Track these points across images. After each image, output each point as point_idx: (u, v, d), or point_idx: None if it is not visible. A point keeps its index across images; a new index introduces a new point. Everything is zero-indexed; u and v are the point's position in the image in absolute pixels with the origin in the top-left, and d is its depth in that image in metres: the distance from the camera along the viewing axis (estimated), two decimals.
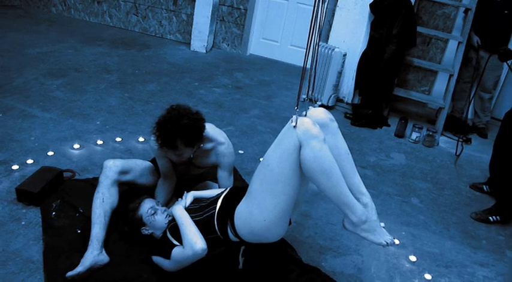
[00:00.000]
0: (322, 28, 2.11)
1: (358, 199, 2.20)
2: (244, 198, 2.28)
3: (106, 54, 5.84)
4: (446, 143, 5.03)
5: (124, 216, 2.65)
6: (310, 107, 2.23)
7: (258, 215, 2.17)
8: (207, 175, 3.18)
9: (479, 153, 4.79)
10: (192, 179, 3.10)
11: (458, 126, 5.34)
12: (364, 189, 2.27)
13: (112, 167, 2.71)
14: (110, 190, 2.67)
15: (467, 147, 4.93)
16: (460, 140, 4.98)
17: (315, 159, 2.02)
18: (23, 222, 2.76)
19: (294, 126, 2.04)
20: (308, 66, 2.06)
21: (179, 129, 2.44)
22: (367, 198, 2.26)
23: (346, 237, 3.11)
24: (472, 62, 5.34)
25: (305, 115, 2.16)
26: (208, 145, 2.73)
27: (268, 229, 2.20)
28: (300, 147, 2.04)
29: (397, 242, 3.19)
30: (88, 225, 2.64)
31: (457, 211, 3.77)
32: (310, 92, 2.23)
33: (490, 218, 3.67)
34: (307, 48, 2.01)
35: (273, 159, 2.12)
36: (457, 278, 2.97)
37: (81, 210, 2.88)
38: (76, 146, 3.65)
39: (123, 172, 2.75)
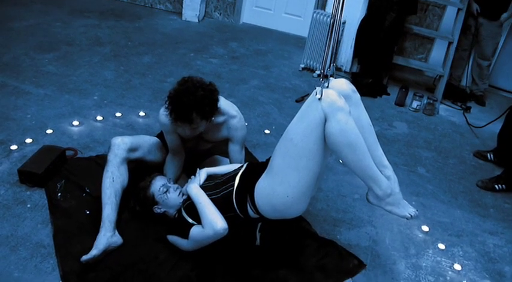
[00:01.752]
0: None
1: (381, 172, 2.14)
2: (264, 174, 2.21)
3: (96, 26, 5.65)
4: (446, 111, 4.99)
5: (135, 195, 2.57)
6: (331, 78, 2.14)
7: (281, 191, 2.10)
8: (214, 150, 3.09)
9: (478, 121, 4.75)
10: (200, 154, 3.01)
11: (456, 94, 5.32)
12: (386, 162, 2.22)
13: (121, 145, 2.61)
14: (120, 169, 2.58)
15: (467, 116, 4.90)
16: (461, 109, 4.96)
17: (341, 132, 1.94)
18: (28, 205, 2.66)
19: (319, 99, 1.96)
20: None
21: (195, 102, 2.31)
22: (389, 170, 2.21)
23: (359, 209, 3.08)
24: (471, 30, 5.27)
25: (327, 86, 2.07)
26: (220, 119, 2.63)
27: (291, 205, 2.14)
28: (325, 120, 1.96)
29: None
30: (96, 205, 2.55)
31: (463, 180, 3.75)
32: (328, 67, 2.13)
33: (496, 186, 3.66)
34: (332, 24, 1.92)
35: (297, 133, 2.03)
36: (469, 246, 2.97)
37: (87, 190, 2.79)
38: (75, 122, 3.52)
39: (131, 149, 2.66)
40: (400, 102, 4.87)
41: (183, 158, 2.84)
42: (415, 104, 4.80)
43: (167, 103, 2.38)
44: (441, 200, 3.41)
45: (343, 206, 3.10)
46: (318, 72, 5.17)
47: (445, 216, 3.23)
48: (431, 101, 4.82)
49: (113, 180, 2.53)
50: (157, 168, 2.84)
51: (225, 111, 2.63)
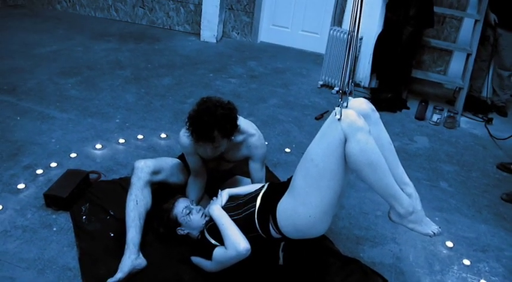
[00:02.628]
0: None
1: (402, 190, 2.14)
2: (286, 194, 2.22)
3: (116, 49, 5.77)
4: (467, 123, 4.95)
5: (158, 217, 2.60)
6: (350, 97, 2.16)
7: (303, 211, 2.12)
8: (235, 170, 3.11)
9: (501, 132, 4.69)
10: (221, 175, 3.04)
11: (477, 106, 5.27)
12: (407, 179, 2.21)
13: (144, 168, 2.65)
14: (143, 191, 2.61)
15: (489, 128, 4.85)
16: (483, 121, 4.93)
17: (362, 152, 1.96)
18: (54, 228, 2.71)
19: (339, 119, 1.98)
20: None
21: (215, 120, 2.35)
22: (411, 188, 2.20)
23: (381, 226, 3.06)
24: (490, 40, 5.24)
25: (346, 106, 2.09)
26: (239, 137, 2.66)
27: (314, 225, 2.15)
28: (345, 140, 1.97)
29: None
30: (121, 227, 2.59)
31: (486, 193, 3.71)
32: (348, 84, 2.15)
33: None
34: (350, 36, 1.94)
35: (317, 153, 2.05)
36: (496, 262, 2.92)
37: (111, 213, 2.83)
38: (98, 146, 3.59)
39: (155, 172, 2.69)
40: (420, 116, 4.85)
41: (205, 179, 2.87)
42: (435, 117, 4.77)
43: (188, 124, 2.42)
44: (465, 215, 3.38)
45: (365, 224, 3.09)
46: (336, 88, 5.18)
47: (470, 231, 3.19)
48: (451, 114, 4.79)
49: (137, 203, 2.57)
50: (180, 190, 2.87)
51: (244, 130, 2.66)
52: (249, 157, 2.75)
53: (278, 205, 2.22)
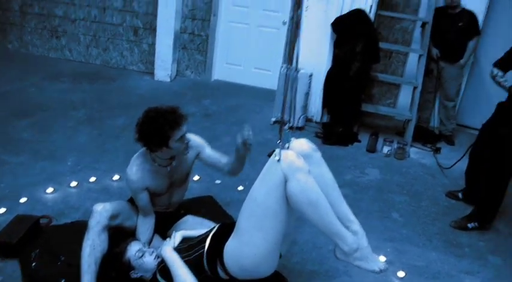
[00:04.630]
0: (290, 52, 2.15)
1: (347, 227, 2.19)
2: (232, 235, 2.26)
3: (70, 90, 5.74)
4: (416, 153, 5.12)
5: (111, 262, 2.58)
6: (292, 138, 2.24)
7: (248, 251, 2.15)
8: (188, 210, 3.12)
9: (449, 160, 4.84)
10: (174, 215, 3.04)
11: (426, 136, 5.46)
12: (352, 217, 2.26)
13: (103, 212, 2.63)
14: (101, 236, 2.59)
15: (437, 156, 5.02)
16: (431, 150, 5.10)
17: (302, 191, 2.02)
18: (0, 278, 2.64)
19: (278, 160, 2.04)
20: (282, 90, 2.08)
21: (161, 106, 2.57)
22: (356, 225, 2.25)
23: (334, 260, 3.02)
24: (434, 73, 5.49)
25: (288, 148, 2.16)
26: None
27: (259, 265, 2.18)
28: (286, 180, 2.03)
29: (383, 258, 3.20)
30: (73, 273, 2.55)
31: (436, 221, 3.83)
32: (288, 117, 2.24)
33: (469, 225, 3.75)
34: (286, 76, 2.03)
35: (259, 194, 2.11)
36: None
37: (62, 258, 2.78)
38: (49, 189, 3.55)
39: (113, 216, 2.68)
40: (371, 149, 4.99)
41: (154, 220, 2.87)
42: (385, 149, 4.92)
43: (155, 124, 2.53)
44: (416, 244, 3.47)
45: (318, 258, 3.13)
46: (289, 125, 5.26)
47: (421, 260, 3.28)
48: (401, 145, 4.95)
49: (94, 248, 2.54)
50: (133, 233, 2.86)
51: None
52: (199, 153, 2.89)
53: (225, 246, 2.25)
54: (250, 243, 2.14)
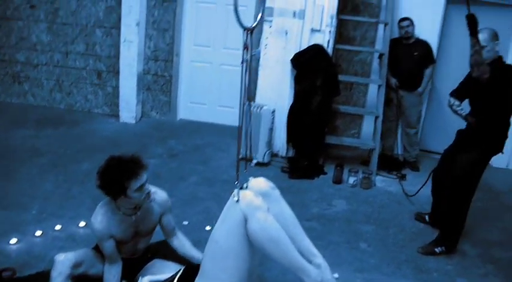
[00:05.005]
0: (249, 90, 2.21)
1: (310, 261, 2.22)
2: (198, 276, 2.27)
3: (34, 136, 5.67)
4: (382, 182, 5.20)
5: None
6: (250, 178, 2.29)
7: None
8: (156, 253, 3.10)
9: (414, 186, 4.90)
10: (141, 260, 3.02)
11: (391, 164, 5.57)
12: (315, 250, 2.30)
13: (65, 262, 2.60)
14: None
15: (403, 183, 5.11)
16: (396, 177, 5.20)
17: (262, 230, 2.05)
18: None
19: (237, 201, 2.08)
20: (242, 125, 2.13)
21: (123, 156, 2.58)
22: (319, 258, 2.28)
23: None
24: (394, 102, 5.64)
25: (246, 187, 2.20)
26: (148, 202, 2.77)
27: None
28: (246, 220, 2.07)
29: None
30: None
31: (404, 248, 3.88)
32: (247, 152, 2.30)
33: (436, 249, 3.81)
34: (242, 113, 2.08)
35: (221, 235, 2.14)
36: None
37: None
38: (13, 240, 3.46)
39: (76, 265, 2.65)
40: (337, 180, 5.05)
41: (121, 267, 2.84)
42: (351, 179, 4.98)
43: (114, 177, 2.51)
44: (385, 273, 3.50)
45: None
46: (255, 160, 5.30)
47: None
48: (366, 175, 5.02)
49: None
50: (99, 280, 2.82)
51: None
52: (162, 214, 2.86)
53: None
54: None
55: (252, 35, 2.09)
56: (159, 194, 2.83)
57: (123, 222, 2.71)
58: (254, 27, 2.11)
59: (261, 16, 2.17)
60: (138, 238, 2.88)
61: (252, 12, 5.57)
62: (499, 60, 3.61)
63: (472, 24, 3.28)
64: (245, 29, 2.06)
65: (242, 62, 2.06)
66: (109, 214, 2.69)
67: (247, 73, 2.10)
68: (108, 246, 2.73)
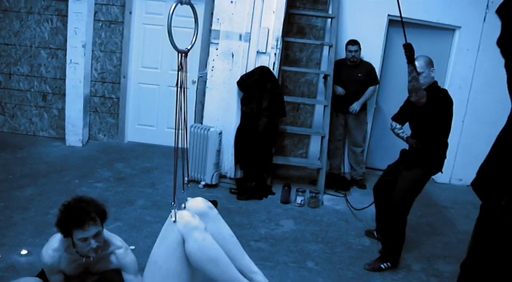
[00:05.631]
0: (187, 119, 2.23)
1: (251, 279, 2.25)
2: None
3: None
4: (330, 200, 5.29)
5: None
6: (188, 198, 2.30)
7: None
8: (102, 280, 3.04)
9: (362, 204, 5.01)
10: None
11: (338, 182, 5.68)
12: (255, 268, 2.32)
13: None
14: None
15: (350, 200, 5.22)
16: (343, 196, 5.31)
17: (200, 249, 2.07)
18: None
19: (174, 221, 2.08)
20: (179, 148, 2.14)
21: (89, 203, 2.51)
22: (259, 276, 2.31)
23: None
24: (340, 121, 5.77)
25: (184, 207, 2.22)
26: (106, 250, 2.69)
27: None
28: (183, 240, 2.07)
29: None
30: None
31: (351, 266, 3.95)
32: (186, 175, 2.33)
33: (382, 265, 3.91)
34: (176, 143, 2.10)
35: (159, 256, 2.14)
36: None
37: None
38: None
39: None
40: (285, 200, 5.10)
41: None
42: (299, 199, 5.05)
43: (63, 217, 2.47)
44: None
45: None
46: (203, 183, 5.30)
47: None
48: (313, 194, 5.10)
49: None
50: None
51: (111, 242, 2.72)
52: (121, 269, 2.75)
53: None
54: None
55: (187, 57, 2.13)
56: (120, 250, 2.74)
57: (74, 262, 2.67)
58: (188, 50, 2.14)
59: (195, 40, 2.20)
60: (89, 276, 2.83)
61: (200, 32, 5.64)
62: (434, 85, 3.80)
63: (409, 52, 3.48)
64: (179, 52, 2.09)
65: (176, 85, 2.09)
66: (62, 249, 2.64)
67: (183, 95, 2.13)
68: (56, 279, 2.70)
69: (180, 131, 2.14)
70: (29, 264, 3.54)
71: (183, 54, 2.10)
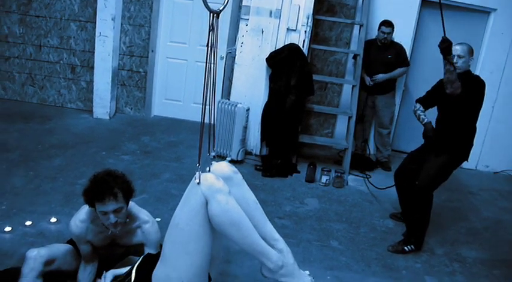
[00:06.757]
0: (215, 82, 2.21)
1: (272, 246, 2.22)
2: (159, 262, 2.26)
3: (3, 130, 5.57)
4: (354, 181, 5.26)
5: None
6: (213, 162, 2.29)
7: (175, 276, 2.15)
8: (129, 251, 3.09)
9: (385, 186, 4.98)
10: (114, 258, 3.01)
11: (363, 163, 5.64)
12: (277, 235, 2.29)
13: (37, 258, 2.58)
14: None
15: (374, 182, 5.18)
16: (366, 177, 5.27)
17: (223, 212, 2.05)
18: None
19: (198, 183, 2.07)
20: (207, 121, 2.13)
21: (115, 178, 2.53)
22: (281, 243, 2.27)
23: None
24: (368, 102, 5.71)
25: (208, 171, 2.21)
26: (133, 224, 2.74)
27: None
28: (207, 203, 2.06)
29: None
30: None
31: (375, 247, 3.94)
32: (212, 148, 2.31)
33: (405, 248, 3.89)
34: (203, 104, 2.08)
35: (182, 218, 2.12)
36: None
37: None
38: None
39: (48, 262, 2.63)
40: (310, 179, 5.09)
41: (96, 265, 2.84)
42: (324, 178, 5.03)
43: (88, 187, 2.51)
44: (355, 270, 3.56)
45: None
46: (228, 158, 5.32)
47: None
48: (339, 174, 5.07)
49: None
50: (72, 275, 2.81)
51: (137, 216, 2.76)
52: (144, 243, 2.79)
53: (153, 274, 2.25)
54: (176, 268, 2.15)
55: (218, 18, 2.09)
56: (146, 225, 2.78)
57: (100, 233, 2.71)
58: (221, 10, 2.10)
59: (227, 1, 2.17)
60: (116, 247, 2.88)
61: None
62: (468, 73, 3.76)
63: (445, 44, 3.42)
64: (211, 11, 2.05)
65: (207, 45, 2.06)
66: (89, 221, 2.69)
67: (213, 56, 2.10)
68: (84, 248, 2.75)
69: (209, 91, 2.10)
70: (58, 231, 3.61)
71: (215, 15, 2.06)
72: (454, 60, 3.57)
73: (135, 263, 2.44)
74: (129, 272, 2.40)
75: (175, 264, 2.15)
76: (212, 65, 2.08)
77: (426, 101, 4.05)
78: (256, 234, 2.12)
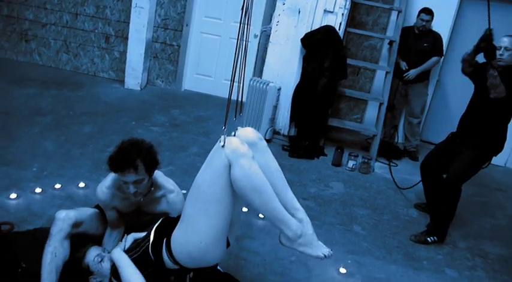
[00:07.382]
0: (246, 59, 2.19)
1: (292, 214, 2.19)
2: (178, 223, 2.27)
3: (37, 95, 5.67)
4: (380, 168, 5.22)
5: (70, 267, 2.57)
6: (238, 127, 2.27)
7: (194, 238, 2.17)
8: (155, 219, 3.13)
9: (412, 176, 4.94)
10: (140, 226, 3.05)
11: (391, 151, 5.58)
12: (297, 205, 2.27)
13: (66, 220, 2.62)
14: (63, 244, 2.57)
15: (400, 171, 5.13)
16: (392, 164, 5.22)
17: (245, 177, 2.03)
18: None
19: (222, 146, 2.07)
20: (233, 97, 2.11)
21: (139, 150, 2.51)
22: (301, 213, 2.25)
23: (296, 271, 3.16)
24: (400, 90, 5.63)
25: (234, 135, 2.20)
26: (158, 193, 2.76)
27: (206, 251, 2.20)
28: (230, 166, 2.06)
29: (343, 270, 3.26)
30: (33, 281, 2.53)
31: (397, 235, 3.92)
32: (239, 113, 2.30)
33: (428, 239, 3.86)
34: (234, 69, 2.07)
35: (204, 180, 2.12)
36: None
37: (23, 265, 2.75)
38: (13, 195, 3.49)
39: (76, 224, 2.67)
40: (337, 163, 5.07)
41: (122, 231, 2.88)
42: (350, 163, 5.01)
43: (112, 156, 2.51)
44: (376, 257, 3.55)
45: (280, 269, 3.17)
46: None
47: (380, 272, 3.36)
48: (366, 160, 5.04)
49: (55, 256, 2.53)
50: (98, 239, 2.86)
51: (163, 186, 2.77)
52: (168, 213, 2.80)
53: (172, 235, 2.27)
54: (196, 229, 2.16)
55: None
56: (171, 195, 2.79)
57: (126, 199, 2.74)
58: None
59: None
60: (142, 214, 2.91)
61: None
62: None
63: (487, 45, 3.35)
64: None
65: (242, 8, 2.03)
66: (114, 188, 2.72)
67: (247, 20, 2.07)
68: (110, 214, 2.80)
69: (241, 51, 2.08)
70: (86, 196, 3.68)
71: None
72: (500, 52, 3.49)
73: (154, 225, 2.46)
74: (148, 234, 2.42)
75: (195, 226, 2.16)
76: (244, 42, 2.06)
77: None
78: (277, 202, 2.11)
